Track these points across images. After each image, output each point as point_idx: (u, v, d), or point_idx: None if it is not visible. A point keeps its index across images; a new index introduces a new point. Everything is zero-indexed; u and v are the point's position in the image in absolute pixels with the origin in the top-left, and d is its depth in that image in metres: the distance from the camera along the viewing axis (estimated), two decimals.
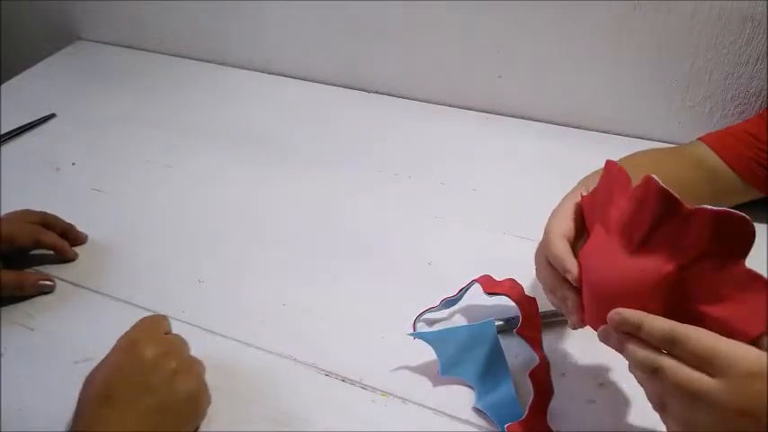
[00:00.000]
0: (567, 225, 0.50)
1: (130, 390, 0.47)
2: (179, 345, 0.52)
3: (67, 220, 0.71)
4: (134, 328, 0.52)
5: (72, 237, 0.70)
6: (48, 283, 0.65)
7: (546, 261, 0.50)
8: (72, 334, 0.61)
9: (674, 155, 0.68)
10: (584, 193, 0.50)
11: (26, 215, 0.67)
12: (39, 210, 0.69)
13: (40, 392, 0.56)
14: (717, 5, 0.71)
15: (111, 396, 0.46)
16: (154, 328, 0.52)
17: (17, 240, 0.65)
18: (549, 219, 0.52)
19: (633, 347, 0.41)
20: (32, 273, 0.66)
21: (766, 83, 0.74)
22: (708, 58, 0.75)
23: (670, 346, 0.39)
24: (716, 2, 0.71)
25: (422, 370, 0.57)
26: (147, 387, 0.47)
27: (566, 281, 0.48)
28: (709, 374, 0.37)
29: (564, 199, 0.54)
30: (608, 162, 0.47)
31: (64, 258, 0.68)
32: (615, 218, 0.44)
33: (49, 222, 0.68)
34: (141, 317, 0.53)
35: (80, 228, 0.71)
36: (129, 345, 0.50)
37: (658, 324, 0.39)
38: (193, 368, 0.51)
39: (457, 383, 0.55)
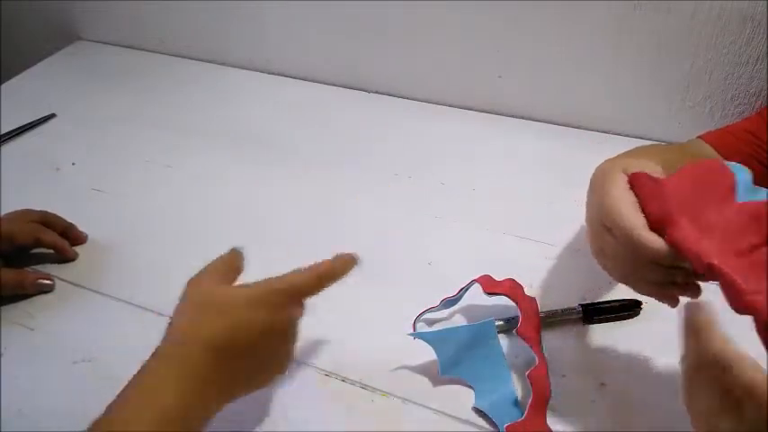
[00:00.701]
0: (641, 218, 0.45)
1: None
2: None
3: (68, 220, 0.71)
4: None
5: (72, 236, 0.70)
6: (47, 282, 0.65)
7: (640, 260, 0.45)
8: (72, 334, 0.61)
9: (674, 152, 0.68)
10: (646, 175, 0.47)
11: (26, 214, 0.67)
12: (39, 209, 0.69)
13: (40, 392, 0.56)
14: (717, 5, 0.71)
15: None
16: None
17: (17, 239, 0.65)
18: (609, 206, 0.46)
19: None
20: (32, 272, 0.66)
21: (766, 83, 0.74)
22: (708, 58, 0.75)
23: None
24: (716, 2, 0.71)
25: (422, 370, 0.57)
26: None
27: (678, 270, 0.45)
28: None
29: (615, 182, 0.48)
30: (710, 162, 0.46)
31: (64, 258, 0.68)
32: (716, 222, 0.43)
33: (49, 221, 0.68)
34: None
35: (80, 227, 0.71)
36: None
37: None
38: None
39: (457, 383, 0.55)
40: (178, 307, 0.47)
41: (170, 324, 0.46)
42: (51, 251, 0.68)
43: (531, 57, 0.84)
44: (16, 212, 0.67)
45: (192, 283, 0.49)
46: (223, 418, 0.53)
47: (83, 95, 0.99)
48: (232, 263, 0.52)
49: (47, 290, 0.65)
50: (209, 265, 0.50)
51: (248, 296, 0.47)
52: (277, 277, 0.49)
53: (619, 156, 0.55)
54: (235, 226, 0.73)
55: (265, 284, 0.48)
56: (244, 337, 0.45)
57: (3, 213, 0.67)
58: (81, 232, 0.71)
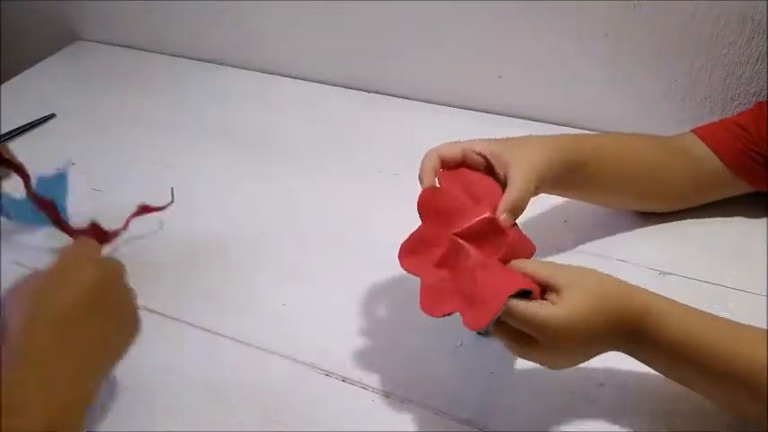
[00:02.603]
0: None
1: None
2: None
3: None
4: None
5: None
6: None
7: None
8: None
9: (658, 142, 0.69)
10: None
11: None
12: None
13: None
14: (717, 5, 0.71)
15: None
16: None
17: None
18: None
19: None
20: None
21: (766, 83, 0.74)
22: (708, 58, 0.75)
23: None
24: (716, 2, 0.71)
25: (422, 370, 0.57)
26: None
27: None
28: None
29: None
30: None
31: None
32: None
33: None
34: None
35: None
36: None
37: None
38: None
39: (456, 383, 0.55)
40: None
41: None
42: None
43: (531, 57, 0.84)
44: None
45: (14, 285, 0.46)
46: (223, 417, 0.53)
47: (83, 95, 0.99)
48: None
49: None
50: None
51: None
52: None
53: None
54: (234, 226, 0.73)
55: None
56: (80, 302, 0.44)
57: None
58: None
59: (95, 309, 0.45)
